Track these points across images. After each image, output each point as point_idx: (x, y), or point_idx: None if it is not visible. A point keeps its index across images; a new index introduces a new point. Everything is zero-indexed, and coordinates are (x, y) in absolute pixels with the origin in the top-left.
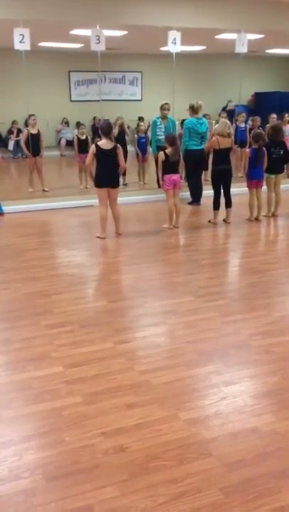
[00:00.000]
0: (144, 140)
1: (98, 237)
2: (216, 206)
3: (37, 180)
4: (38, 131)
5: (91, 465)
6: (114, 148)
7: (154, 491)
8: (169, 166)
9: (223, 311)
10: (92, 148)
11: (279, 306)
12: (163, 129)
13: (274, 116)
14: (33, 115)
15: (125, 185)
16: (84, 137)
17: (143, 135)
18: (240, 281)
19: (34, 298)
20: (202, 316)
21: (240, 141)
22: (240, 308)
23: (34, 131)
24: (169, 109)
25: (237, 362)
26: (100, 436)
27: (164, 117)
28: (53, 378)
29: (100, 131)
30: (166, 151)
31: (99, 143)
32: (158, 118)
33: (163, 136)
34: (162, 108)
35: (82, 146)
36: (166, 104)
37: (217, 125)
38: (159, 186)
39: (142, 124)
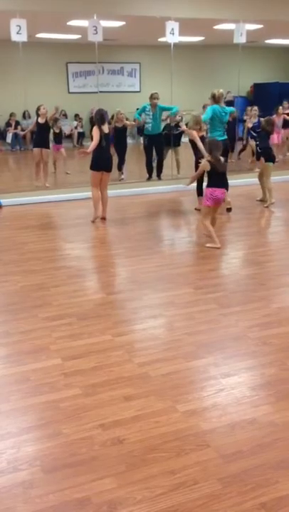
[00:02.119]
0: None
1: (92, 220)
2: (200, 193)
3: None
4: (46, 121)
5: (89, 457)
6: (109, 132)
7: (151, 482)
8: (213, 178)
9: (222, 303)
10: (96, 131)
11: (277, 298)
12: (151, 116)
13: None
14: (41, 105)
15: (120, 180)
16: (58, 131)
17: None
18: (238, 273)
19: (33, 291)
20: (200, 308)
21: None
22: (239, 300)
23: (42, 121)
24: (158, 98)
25: (235, 354)
26: (97, 428)
27: (153, 106)
28: (52, 371)
29: (94, 121)
30: (211, 159)
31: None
32: (148, 104)
33: (150, 124)
34: (152, 97)
35: (57, 138)
36: (156, 93)
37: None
38: (149, 178)
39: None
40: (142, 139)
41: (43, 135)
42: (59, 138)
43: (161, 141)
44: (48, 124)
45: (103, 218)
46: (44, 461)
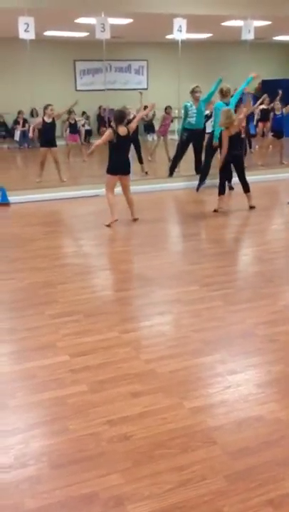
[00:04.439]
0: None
1: (108, 225)
2: (222, 191)
3: (46, 170)
4: (53, 119)
5: (96, 453)
6: (128, 133)
7: (158, 478)
8: None
9: (229, 300)
10: (109, 132)
11: (284, 295)
12: (195, 110)
13: None
14: (50, 105)
15: (146, 173)
16: (73, 121)
17: None
18: (246, 270)
19: (39, 288)
20: (207, 305)
21: (277, 130)
22: (246, 298)
23: (49, 120)
24: (201, 92)
25: (242, 351)
26: (104, 424)
27: (196, 100)
28: (59, 367)
29: (113, 119)
30: None
31: (116, 129)
32: (188, 102)
33: (194, 118)
34: (194, 91)
35: (73, 128)
36: (197, 86)
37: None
38: (170, 174)
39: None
40: (148, 136)
41: (49, 134)
42: (74, 128)
43: (202, 138)
44: (54, 123)
45: (135, 219)
46: (51, 457)
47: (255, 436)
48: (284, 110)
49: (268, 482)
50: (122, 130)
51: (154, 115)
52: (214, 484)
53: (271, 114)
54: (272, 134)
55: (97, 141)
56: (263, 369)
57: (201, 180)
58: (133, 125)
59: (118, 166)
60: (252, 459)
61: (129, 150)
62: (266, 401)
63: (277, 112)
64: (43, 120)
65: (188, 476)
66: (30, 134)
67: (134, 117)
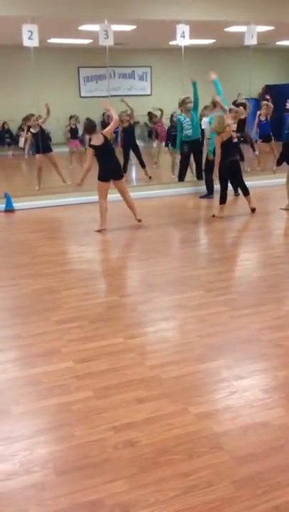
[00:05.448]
0: (118, 129)
1: (97, 230)
2: (223, 200)
3: (44, 177)
4: (41, 128)
5: (101, 459)
6: (106, 140)
7: (164, 484)
8: None
9: (233, 305)
10: (90, 151)
11: (288, 300)
12: (189, 122)
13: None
14: (32, 115)
15: (150, 178)
16: (74, 127)
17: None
18: (249, 275)
19: (44, 294)
20: (212, 310)
21: (263, 135)
22: (250, 303)
23: (35, 130)
24: (191, 102)
25: (247, 356)
26: (109, 430)
27: (187, 111)
28: (63, 373)
29: (84, 132)
30: None
31: (92, 142)
32: (181, 115)
33: (190, 130)
34: (184, 102)
35: (74, 134)
36: (188, 97)
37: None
38: (180, 180)
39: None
40: (154, 143)
41: (42, 141)
42: (75, 133)
43: (200, 145)
44: (42, 130)
45: (139, 220)
46: (56, 464)
47: (262, 442)
48: (267, 115)
49: (274, 488)
50: (97, 140)
51: None
52: (220, 490)
53: (257, 119)
54: (261, 140)
55: (84, 168)
56: (269, 374)
57: (209, 194)
58: (110, 129)
59: (108, 172)
60: (258, 465)
61: (112, 154)
62: (272, 406)
63: (262, 118)
64: (31, 133)
65: (194, 482)
66: (24, 146)
67: (130, 125)
